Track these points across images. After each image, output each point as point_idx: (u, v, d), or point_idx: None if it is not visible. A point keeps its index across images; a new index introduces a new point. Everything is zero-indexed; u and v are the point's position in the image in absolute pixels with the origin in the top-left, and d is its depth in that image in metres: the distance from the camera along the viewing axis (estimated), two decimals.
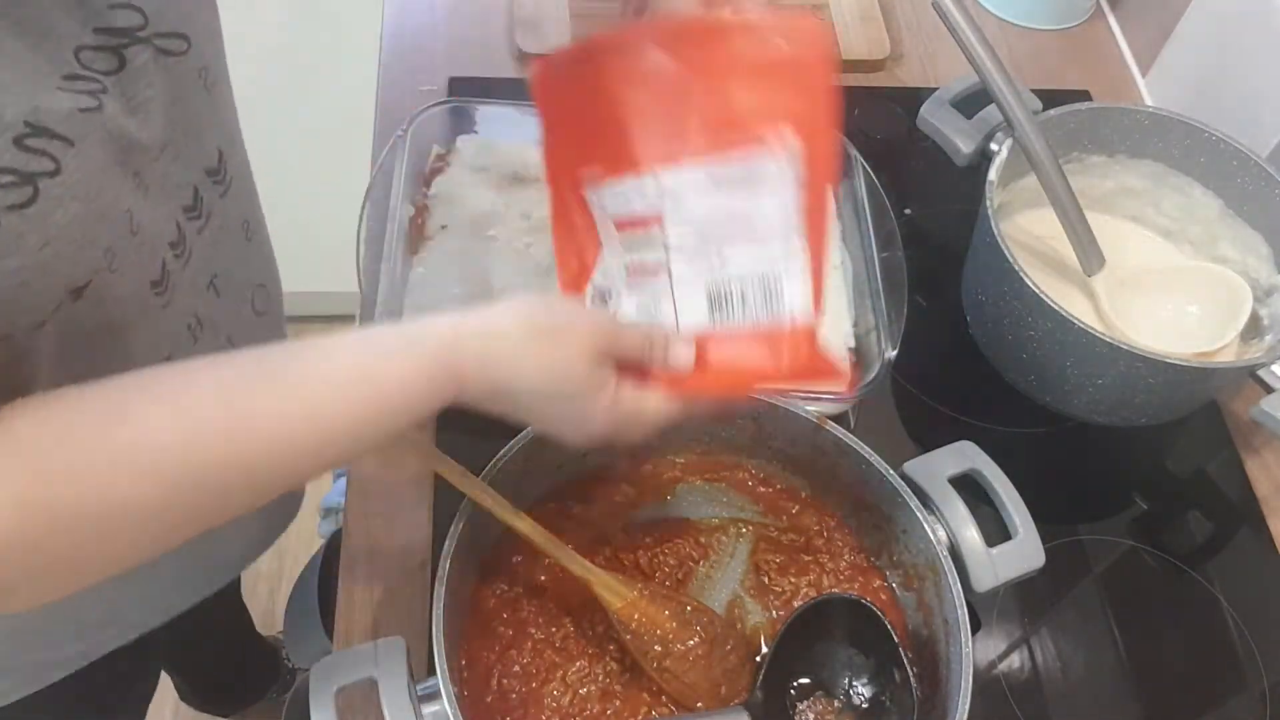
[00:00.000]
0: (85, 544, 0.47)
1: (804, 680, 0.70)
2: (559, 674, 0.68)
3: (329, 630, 0.76)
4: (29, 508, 0.45)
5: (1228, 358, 0.85)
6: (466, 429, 0.82)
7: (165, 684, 1.46)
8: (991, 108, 0.86)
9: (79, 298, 0.52)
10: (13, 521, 0.44)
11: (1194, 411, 0.88)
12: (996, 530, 0.70)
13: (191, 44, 0.58)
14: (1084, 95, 1.09)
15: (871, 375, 0.81)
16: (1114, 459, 0.90)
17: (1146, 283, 0.89)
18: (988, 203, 0.83)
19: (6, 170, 0.46)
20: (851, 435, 0.72)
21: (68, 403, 0.48)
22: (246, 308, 0.73)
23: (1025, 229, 0.92)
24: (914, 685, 0.65)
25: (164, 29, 0.56)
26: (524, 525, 0.66)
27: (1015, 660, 0.78)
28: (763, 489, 0.78)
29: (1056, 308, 0.78)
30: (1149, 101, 1.10)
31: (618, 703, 0.68)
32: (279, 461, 0.51)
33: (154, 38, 0.55)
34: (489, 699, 0.67)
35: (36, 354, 0.52)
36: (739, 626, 0.72)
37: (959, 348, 0.92)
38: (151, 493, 0.48)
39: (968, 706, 0.62)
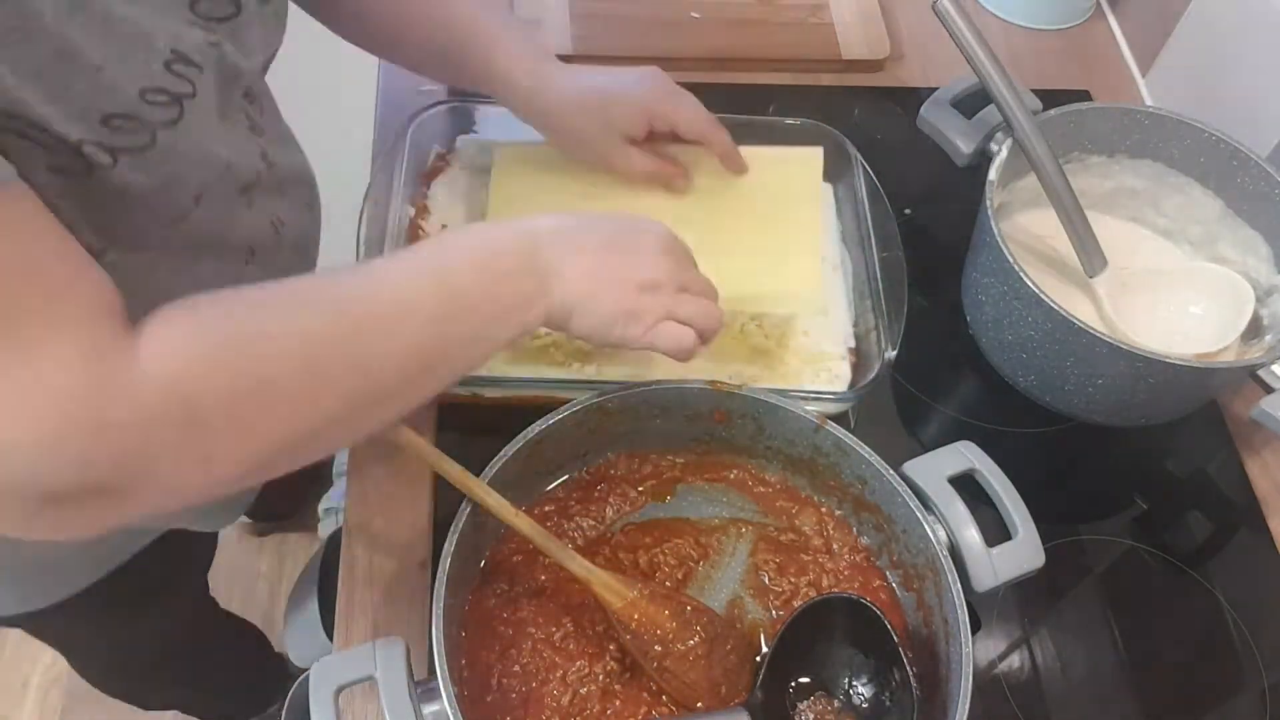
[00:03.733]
0: (232, 421, 0.51)
1: (804, 680, 0.70)
2: (559, 674, 0.68)
3: (329, 630, 0.76)
4: (196, 377, 0.50)
5: (1228, 358, 0.85)
6: (466, 429, 0.83)
7: None
8: (991, 108, 0.86)
9: (198, 204, 0.61)
10: (179, 391, 0.49)
11: (1194, 411, 0.88)
12: (996, 530, 0.69)
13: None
14: (1084, 95, 1.09)
15: (871, 375, 0.82)
16: (1114, 459, 0.90)
17: (1148, 283, 0.89)
18: (988, 203, 0.83)
19: (161, 91, 0.54)
20: (851, 435, 0.72)
21: (212, 304, 0.53)
22: (302, 204, 0.80)
23: (1025, 229, 0.92)
24: (914, 685, 0.65)
25: None
26: (524, 525, 0.66)
27: (1015, 660, 0.78)
28: (763, 489, 0.78)
29: (1057, 308, 0.78)
30: (1149, 101, 1.10)
31: (618, 702, 0.68)
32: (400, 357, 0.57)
33: None
34: (489, 699, 0.67)
35: (161, 264, 0.62)
36: (739, 626, 0.72)
37: (959, 348, 0.92)
38: (297, 377, 0.53)
39: (968, 706, 0.62)
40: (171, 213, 0.60)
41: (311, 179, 0.84)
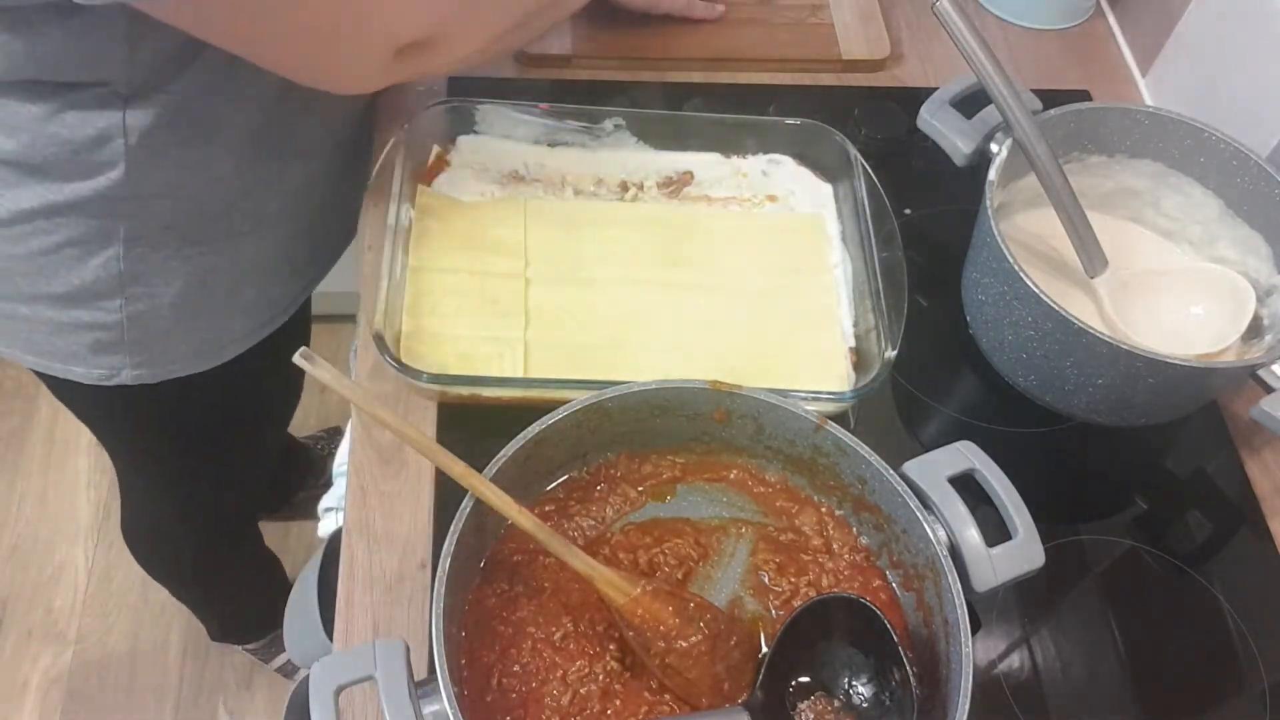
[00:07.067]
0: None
1: (804, 680, 0.70)
2: (559, 673, 0.68)
3: (329, 630, 0.76)
4: None
5: (1228, 358, 0.85)
6: (466, 429, 0.83)
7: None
8: (991, 108, 0.86)
9: None
10: None
11: (1194, 411, 0.88)
12: (996, 530, 0.69)
13: None
14: (1084, 95, 1.09)
15: (871, 375, 0.82)
16: (1114, 459, 0.90)
17: (1149, 284, 0.89)
18: (988, 203, 0.83)
19: None
20: (851, 435, 0.72)
21: None
22: None
23: (1025, 229, 0.92)
24: (914, 685, 0.65)
25: None
26: (527, 522, 0.66)
27: (1015, 660, 0.78)
28: (763, 489, 0.78)
29: (1057, 308, 0.78)
30: (1149, 101, 1.10)
31: (618, 702, 0.68)
32: None
33: None
34: (489, 699, 0.67)
35: None
36: (742, 622, 0.72)
37: (959, 348, 0.92)
38: None
39: (968, 706, 0.62)
40: None
41: None
